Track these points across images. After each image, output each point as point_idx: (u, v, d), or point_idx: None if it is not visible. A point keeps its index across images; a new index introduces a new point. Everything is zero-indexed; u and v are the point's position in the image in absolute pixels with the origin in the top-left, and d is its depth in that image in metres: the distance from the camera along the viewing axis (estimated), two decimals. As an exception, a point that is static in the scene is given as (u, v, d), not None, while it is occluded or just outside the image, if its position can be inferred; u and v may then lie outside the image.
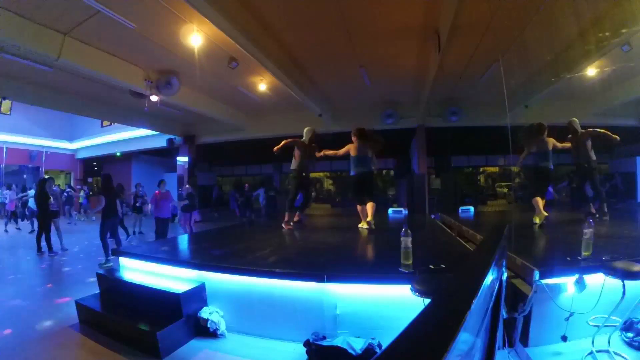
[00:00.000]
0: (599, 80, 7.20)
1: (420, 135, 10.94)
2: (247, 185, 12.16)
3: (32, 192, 9.60)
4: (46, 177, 8.05)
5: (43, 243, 6.65)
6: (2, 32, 5.00)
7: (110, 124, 15.07)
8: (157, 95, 7.69)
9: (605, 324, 2.16)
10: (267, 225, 6.97)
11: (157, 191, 7.14)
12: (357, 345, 2.31)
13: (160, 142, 13.66)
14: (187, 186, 9.01)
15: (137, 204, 9.29)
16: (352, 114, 10.55)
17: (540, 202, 4.64)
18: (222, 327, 2.86)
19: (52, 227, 6.84)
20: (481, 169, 18.00)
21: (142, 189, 9.53)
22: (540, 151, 4.79)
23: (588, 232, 2.71)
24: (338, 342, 2.35)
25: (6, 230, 10.15)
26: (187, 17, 5.27)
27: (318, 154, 5.59)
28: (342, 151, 5.12)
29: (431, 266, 2.62)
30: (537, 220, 4.62)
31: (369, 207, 4.91)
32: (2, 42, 5.23)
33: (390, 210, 8.30)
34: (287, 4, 5.29)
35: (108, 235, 5.99)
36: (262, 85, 8.33)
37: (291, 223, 5.54)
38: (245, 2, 5.18)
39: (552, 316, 2.34)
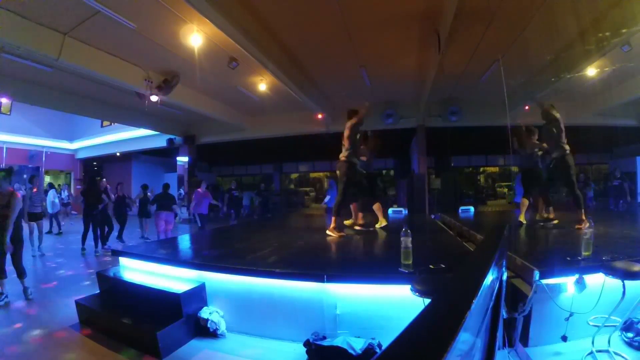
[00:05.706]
0: (599, 80, 7.21)
1: (420, 135, 10.93)
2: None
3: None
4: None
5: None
6: (2, 32, 4.99)
7: (110, 124, 15.05)
8: (157, 95, 7.69)
9: (605, 324, 2.16)
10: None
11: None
12: (357, 345, 2.31)
13: (160, 142, 13.66)
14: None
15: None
16: (352, 114, 10.55)
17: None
18: (222, 327, 2.86)
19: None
20: (481, 169, 18.02)
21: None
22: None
23: (588, 232, 2.71)
24: (338, 342, 2.35)
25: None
26: (187, 17, 5.27)
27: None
28: None
29: (431, 266, 2.62)
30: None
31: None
32: (2, 42, 5.23)
33: (390, 210, 8.30)
34: (287, 4, 5.29)
35: None
36: (262, 85, 8.32)
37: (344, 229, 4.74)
38: (245, 2, 5.18)
39: (552, 316, 2.34)
